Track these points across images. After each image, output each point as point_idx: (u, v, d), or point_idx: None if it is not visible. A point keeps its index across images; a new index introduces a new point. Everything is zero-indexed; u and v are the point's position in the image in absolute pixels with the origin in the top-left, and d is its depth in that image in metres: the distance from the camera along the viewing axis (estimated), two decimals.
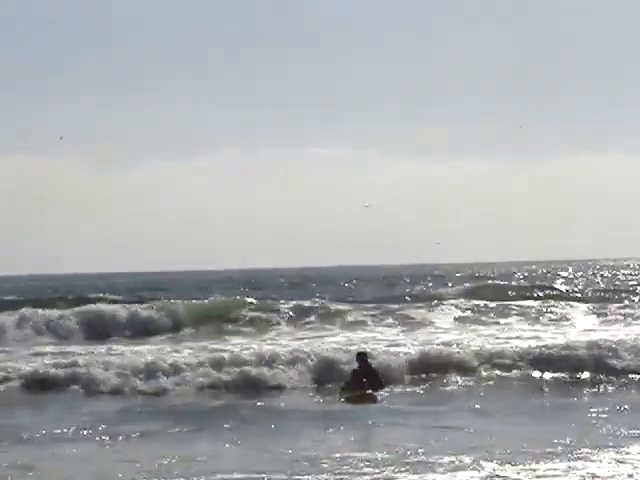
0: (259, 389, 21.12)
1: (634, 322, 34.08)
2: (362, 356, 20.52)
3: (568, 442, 13.89)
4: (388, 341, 28.63)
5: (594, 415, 16.46)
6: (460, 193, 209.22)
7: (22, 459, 13.52)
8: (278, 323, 35.24)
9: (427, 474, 12.13)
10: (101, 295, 44.62)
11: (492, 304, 37.97)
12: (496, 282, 56.81)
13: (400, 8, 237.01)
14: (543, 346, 23.84)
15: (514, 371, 22.08)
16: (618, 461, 12.69)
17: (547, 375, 21.93)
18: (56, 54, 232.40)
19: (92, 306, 36.55)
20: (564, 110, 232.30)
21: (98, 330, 33.93)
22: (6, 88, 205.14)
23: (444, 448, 13.65)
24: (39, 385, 21.79)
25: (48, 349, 28.49)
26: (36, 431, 15.70)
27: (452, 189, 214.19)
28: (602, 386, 21.01)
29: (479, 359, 22.53)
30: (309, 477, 12.12)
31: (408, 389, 21.02)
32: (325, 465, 12.78)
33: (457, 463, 12.66)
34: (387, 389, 20.43)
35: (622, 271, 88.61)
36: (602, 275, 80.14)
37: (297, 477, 12.14)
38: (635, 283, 58.79)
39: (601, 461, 12.70)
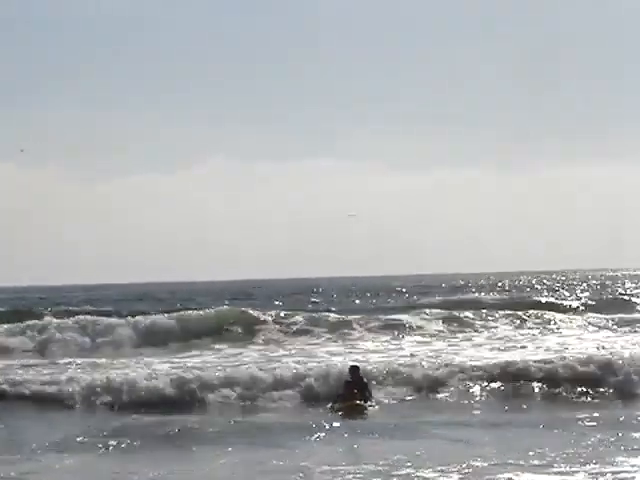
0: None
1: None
2: (355, 369, 21.21)
3: (557, 454, 13.89)
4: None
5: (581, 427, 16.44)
6: (456, 203, 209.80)
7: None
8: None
9: None
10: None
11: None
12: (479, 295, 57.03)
13: (398, 23, 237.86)
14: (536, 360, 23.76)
15: (497, 383, 21.95)
16: None
17: (533, 386, 21.79)
18: (44, 66, 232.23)
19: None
20: (554, 122, 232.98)
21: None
22: None
23: (433, 460, 13.64)
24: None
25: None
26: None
27: (449, 200, 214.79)
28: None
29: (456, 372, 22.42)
30: None
31: (394, 401, 20.94)
32: (316, 476, 12.87)
33: (444, 477, 12.66)
34: (374, 402, 20.49)
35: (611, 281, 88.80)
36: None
37: None
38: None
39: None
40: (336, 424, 17.49)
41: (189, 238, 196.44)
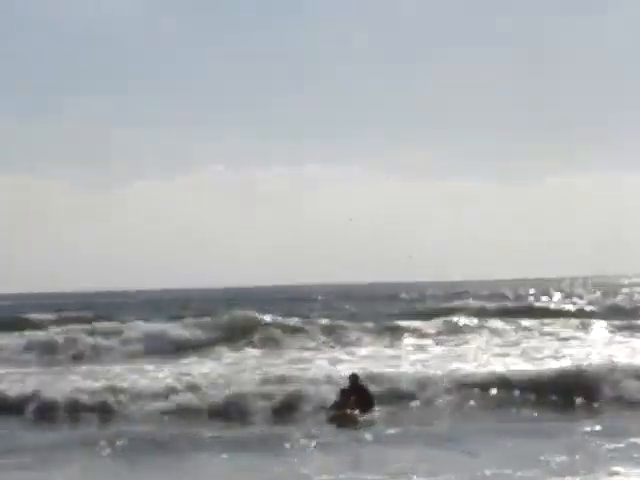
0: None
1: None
2: (354, 377, 21.20)
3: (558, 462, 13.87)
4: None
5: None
6: (456, 212, 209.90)
7: None
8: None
9: None
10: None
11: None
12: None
13: (397, 33, 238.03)
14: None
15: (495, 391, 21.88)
16: None
17: (532, 397, 21.71)
18: (46, 77, 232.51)
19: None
20: (554, 130, 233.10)
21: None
22: None
23: (434, 470, 13.66)
24: None
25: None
26: None
27: (450, 207, 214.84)
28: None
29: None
30: None
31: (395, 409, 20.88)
32: None
33: None
34: (376, 410, 20.42)
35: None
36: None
37: None
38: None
39: None
40: (333, 433, 17.49)
41: (188, 244, 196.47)
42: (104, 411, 20.76)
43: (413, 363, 28.07)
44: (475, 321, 39.74)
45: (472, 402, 21.22)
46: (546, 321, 40.14)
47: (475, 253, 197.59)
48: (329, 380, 22.19)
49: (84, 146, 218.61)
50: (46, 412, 20.73)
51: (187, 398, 21.00)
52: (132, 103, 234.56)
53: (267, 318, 39.52)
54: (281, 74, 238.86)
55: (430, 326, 38.72)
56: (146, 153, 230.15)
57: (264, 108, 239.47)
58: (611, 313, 46.02)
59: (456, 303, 58.38)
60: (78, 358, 33.23)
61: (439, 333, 37.35)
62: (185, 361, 30.50)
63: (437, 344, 34.76)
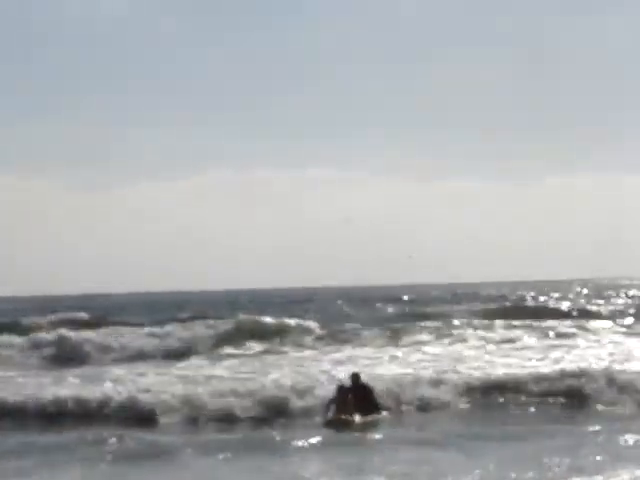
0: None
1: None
2: (355, 377, 21.09)
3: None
4: None
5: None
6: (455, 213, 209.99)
7: None
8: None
9: None
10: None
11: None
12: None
13: (397, 33, 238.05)
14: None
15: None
16: None
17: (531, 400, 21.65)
18: (45, 78, 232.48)
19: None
20: (554, 131, 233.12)
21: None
22: None
23: (434, 471, 13.68)
24: None
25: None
26: None
27: (449, 209, 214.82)
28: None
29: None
30: None
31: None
32: None
33: None
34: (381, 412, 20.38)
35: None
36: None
37: None
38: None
39: None
40: (333, 436, 17.47)
41: (188, 245, 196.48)
42: (101, 415, 20.65)
43: (411, 365, 28.09)
44: (475, 322, 39.73)
45: (474, 404, 21.21)
46: (546, 322, 40.17)
47: (475, 253, 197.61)
48: (330, 382, 22.13)
49: (84, 146, 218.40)
50: (44, 416, 20.67)
51: (187, 401, 20.84)
52: (132, 103, 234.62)
53: (270, 320, 39.51)
54: (281, 74, 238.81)
55: (430, 328, 38.70)
56: (146, 154, 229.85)
57: (264, 108, 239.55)
58: (617, 314, 46.01)
59: (456, 304, 58.49)
60: (77, 360, 33.17)
61: (438, 334, 37.30)
62: (182, 364, 30.46)
63: (436, 346, 34.73)
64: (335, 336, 37.44)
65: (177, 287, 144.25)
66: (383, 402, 20.93)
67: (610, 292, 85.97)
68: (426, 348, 34.16)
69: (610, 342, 34.83)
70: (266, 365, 29.68)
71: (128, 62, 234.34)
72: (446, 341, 35.93)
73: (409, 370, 26.87)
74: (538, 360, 29.09)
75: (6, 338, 35.92)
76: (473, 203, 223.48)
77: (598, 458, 14.67)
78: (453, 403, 21.14)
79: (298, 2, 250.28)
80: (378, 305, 66.51)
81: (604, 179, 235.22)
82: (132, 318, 47.60)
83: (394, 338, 36.82)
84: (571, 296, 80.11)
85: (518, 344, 34.47)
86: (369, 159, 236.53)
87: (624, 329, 39.52)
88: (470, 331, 37.75)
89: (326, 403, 20.10)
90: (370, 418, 19.73)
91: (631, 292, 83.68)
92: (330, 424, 19.08)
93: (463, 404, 21.16)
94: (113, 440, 16.78)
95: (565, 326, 39.48)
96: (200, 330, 37.46)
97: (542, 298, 76.73)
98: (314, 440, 16.92)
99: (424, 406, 21.16)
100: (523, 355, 30.88)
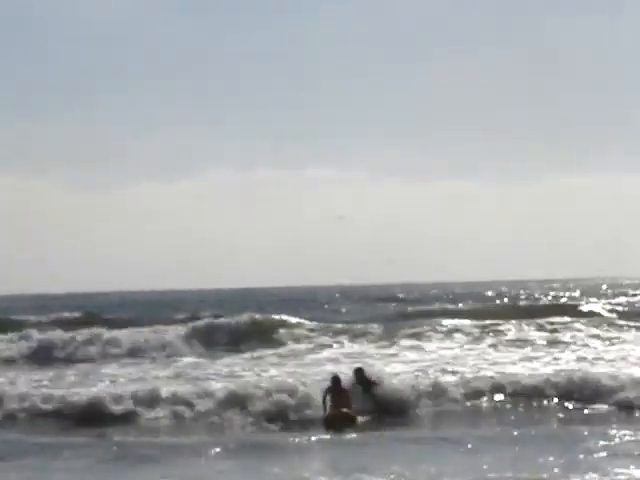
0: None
1: None
2: (359, 372, 21.18)
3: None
4: None
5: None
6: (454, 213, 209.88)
7: None
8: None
9: None
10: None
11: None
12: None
13: (395, 32, 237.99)
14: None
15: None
16: None
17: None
18: (45, 78, 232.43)
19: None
20: (551, 132, 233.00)
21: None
22: None
23: (435, 471, 13.74)
24: None
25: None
26: None
27: (448, 210, 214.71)
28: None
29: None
30: None
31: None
32: None
33: None
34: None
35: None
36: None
37: None
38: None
39: None
40: (334, 435, 17.46)
41: (188, 246, 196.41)
42: (96, 416, 20.50)
43: (412, 363, 28.11)
44: (474, 322, 39.64)
45: (474, 404, 21.18)
46: (546, 322, 40.07)
47: (475, 253, 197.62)
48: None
49: (84, 146, 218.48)
50: (35, 416, 20.57)
51: (186, 402, 20.71)
52: (132, 103, 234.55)
53: (270, 318, 39.47)
54: (281, 74, 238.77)
55: (429, 326, 38.62)
56: (146, 154, 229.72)
57: (264, 108, 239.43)
58: (623, 315, 45.92)
59: (455, 303, 58.41)
60: (75, 359, 33.07)
61: (438, 333, 37.24)
62: (181, 364, 30.45)
63: (436, 344, 34.69)
64: (335, 334, 37.35)
65: (177, 286, 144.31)
66: (386, 403, 20.85)
67: (610, 291, 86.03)
68: (426, 346, 34.21)
69: (608, 341, 34.85)
70: (265, 363, 29.71)
71: (128, 62, 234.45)
72: (446, 340, 35.92)
73: (409, 368, 26.96)
74: (539, 360, 29.10)
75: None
76: (473, 203, 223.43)
77: (596, 457, 14.72)
78: (453, 403, 21.04)
79: (298, 2, 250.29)
80: (377, 304, 66.65)
81: (604, 179, 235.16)
82: (129, 317, 47.42)
83: (394, 336, 36.79)
84: (575, 295, 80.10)
85: (519, 343, 34.45)
86: (369, 159, 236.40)
87: (620, 327, 39.44)
88: (470, 330, 37.70)
89: (323, 395, 20.00)
90: (366, 417, 19.59)
91: (630, 292, 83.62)
92: (330, 421, 18.96)
93: (464, 404, 21.09)
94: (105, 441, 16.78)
95: (566, 324, 39.39)
96: (196, 329, 37.27)
97: (541, 296, 76.79)
98: (314, 439, 16.95)
99: (425, 406, 21.07)
100: (524, 355, 30.87)
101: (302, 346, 34.99)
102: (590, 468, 13.81)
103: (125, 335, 35.68)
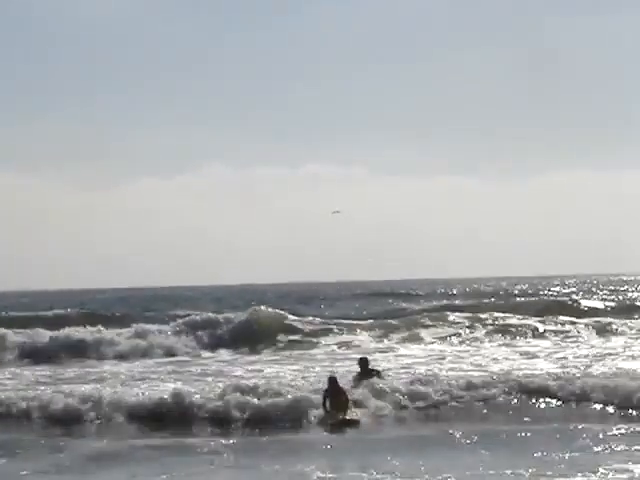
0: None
1: None
2: (363, 362, 21.25)
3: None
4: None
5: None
6: (450, 209, 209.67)
7: None
8: None
9: None
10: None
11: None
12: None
13: (396, 30, 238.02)
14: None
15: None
16: None
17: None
18: (44, 75, 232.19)
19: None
20: (550, 128, 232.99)
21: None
22: None
23: (435, 470, 13.71)
24: None
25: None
26: None
27: (449, 206, 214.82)
28: None
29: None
30: None
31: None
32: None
33: None
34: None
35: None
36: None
37: None
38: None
39: None
40: (334, 435, 17.44)
41: (187, 243, 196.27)
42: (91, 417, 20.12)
43: (411, 361, 28.03)
44: (472, 318, 39.56)
45: (474, 402, 20.92)
46: (546, 319, 40.02)
47: (474, 251, 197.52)
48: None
49: (83, 145, 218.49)
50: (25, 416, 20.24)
51: (183, 401, 20.32)
52: (132, 102, 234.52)
53: (271, 314, 39.28)
54: (281, 74, 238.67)
55: (427, 323, 38.58)
56: (145, 152, 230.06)
57: (263, 106, 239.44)
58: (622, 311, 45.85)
59: (453, 299, 58.38)
60: (73, 357, 32.81)
61: (437, 329, 37.18)
62: (174, 361, 30.35)
63: (436, 340, 34.62)
64: (335, 331, 37.27)
65: (175, 283, 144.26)
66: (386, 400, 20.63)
67: (612, 287, 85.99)
68: (423, 343, 34.17)
69: (608, 337, 34.80)
70: (266, 360, 29.61)
71: (128, 61, 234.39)
72: (444, 335, 35.87)
73: (408, 364, 26.88)
74: (537, 356, 29.03)
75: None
76: (472, 200, 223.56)
77: (596, 454, 14.72)
78: (451, 398, 20.78)
79: (298, 2, 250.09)
80: (376, 300, 66.57)
81: (604, 176, 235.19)
82: (128, 314, 47.23)
83: (394, 333, 36.78)
84: (573, 291, 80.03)
85: (518, 339, 34.41)
86: (368, 157, 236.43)
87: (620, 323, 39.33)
88: (469, 325, 37.61)
89: (322, 397, 19.79)
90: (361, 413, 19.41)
91: (629, 288, 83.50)
92: (331, 427, 18.71)
93: (462, 400, 20.86)
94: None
95: (566, 321, 39.32)
96: (197, 326, 37.00)
97: (540, 292, 76.69)
98: (313, 437, 17.01)
99: (425, 403, 20.76)
100: (523, 350, 30.79)
101: (301, 343, 34.92)
102: (590, 464, 13.80)
103: (125, 333, 35.56)
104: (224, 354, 32.52)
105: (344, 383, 20.29)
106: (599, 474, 13.29)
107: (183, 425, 19.16)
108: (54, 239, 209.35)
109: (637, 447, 15.14)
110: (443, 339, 35.57)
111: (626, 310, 46.26)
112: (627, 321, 39.23)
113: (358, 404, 19.40)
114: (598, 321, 39.05)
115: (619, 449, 15.09)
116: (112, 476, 14.42)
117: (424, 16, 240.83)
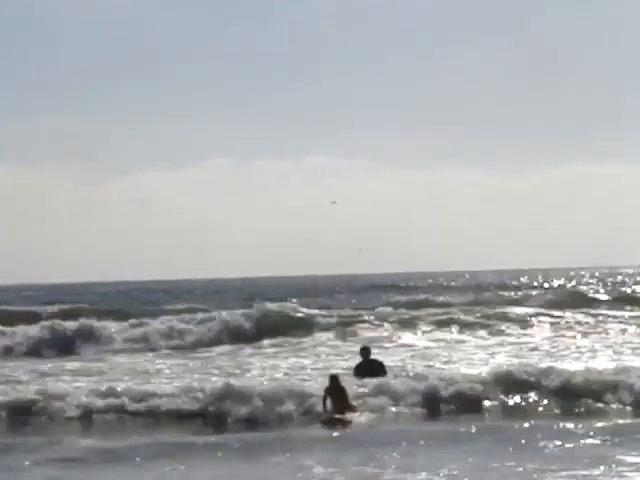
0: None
1: None
2: (364, 352, 21.14)
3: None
4: None
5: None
6: (452, 201, 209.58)
7: None
8: None
9: None
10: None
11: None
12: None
13: (397, 23, 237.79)
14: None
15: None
16: None
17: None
18: (43, 69, 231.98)
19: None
20: (551, 121, 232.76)
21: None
22: None
23: (434, 467, 13.67)
24: None
25: None
26: None
27: (449, 199, 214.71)
28: None
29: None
30: None
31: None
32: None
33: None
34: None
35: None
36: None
37: None
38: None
39: None
40: (336, 431, 17.38)
41: (188, 236, 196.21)
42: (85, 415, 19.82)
43: (411, 357, 27.96)
44: (470, 312, 39.44)
45: (472, 398, 20.79)
46: (545, 312, 39.93)
47: (475, 242, 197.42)
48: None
49: (83, 139, 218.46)
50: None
51: (182, 400, 19.99)
52: (133, 96, 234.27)
53: (274, 308, 39.13)
54: (282, 68, 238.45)
55: (425, 318, 38.41)
56: (146, 146, 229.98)
57: (264, 98, 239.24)
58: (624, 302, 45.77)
59: (453, 294, 58.29)
60: (72, 353, 32.64)
61: (433, 326, 36.98)
62: (172, 359, 30.21)
63: (430, 338, 34.40)
64: (335, 325, 37.12)
65: (176, 276, 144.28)
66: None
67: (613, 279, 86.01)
68: (421, 336, 34.10)
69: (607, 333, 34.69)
70: (268, 357, 29.47)
71: (129, 53, 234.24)
72: (442, 330, 35.71)
73: (408, 360, 26.84)
74: (536, 352, 28.92)
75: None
76: (473, 193, 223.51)
77: (597, 450, 14.68)
78: (449, 395, 20.56)
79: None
80: (377, 292, 66.56)
81: (605, 169, 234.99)
82: (125, 308, 47.11)
83: (394, 326, 36.70)
84: (577, 283, 79.97)
85: (518, 337, 34.22)
86: (370, 150, 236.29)
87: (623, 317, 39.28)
88: (468, 322, 37.38)
89: (323, 395, 19.54)
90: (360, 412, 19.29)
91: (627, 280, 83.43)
92: (330, 424, 18.51)
93: (461, 397, 20.71)
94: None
95: (565, 315, 39.20)
96: (201, 321, 36.72)
97: (540, 285, 76.61)
98: (315, 433, 16.95)
99: (423, 401, 20.60)
100: (523, 345, 30.70)
101: (303, 337, 34.73)
102: (591, 460, 13.77)
103: (125, 327, 35.44)
104: (228, 348, 32.37)
105: (345, 377, 20.20)
106: (603, 467, 13.28)
107: (184, 421, 19.11)
108: (54, 233, 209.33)
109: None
110: (440, 333, 35.30)
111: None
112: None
113: (358, 399, 19.28)
114: (598, 315, 39.02)
115: (621, 442, 15.08)
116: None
117: (426, 10, 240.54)
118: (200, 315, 37.49)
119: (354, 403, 19.13)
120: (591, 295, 50.81)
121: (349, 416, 18.59)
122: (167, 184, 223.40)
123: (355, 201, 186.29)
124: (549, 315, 38.94)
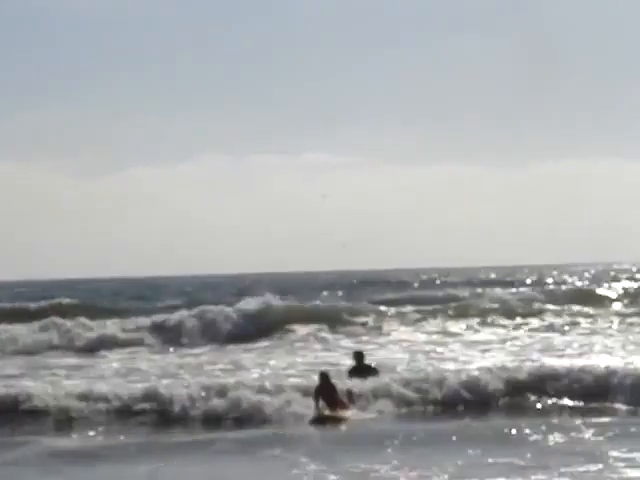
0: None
1: None
2: (358, 356, 20.99)
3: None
4: None
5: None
6: (446, 197, 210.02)
7: None
8: None
9: None
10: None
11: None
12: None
13: (396, 17, 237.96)
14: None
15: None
16: None
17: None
18: (39, 63, 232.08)
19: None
20: (551, 117, 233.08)
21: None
22: None
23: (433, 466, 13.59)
24: None
25: None
26: None
27: (449, 194, 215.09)
28: None
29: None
30: None
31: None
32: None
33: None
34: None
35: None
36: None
37: None
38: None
39: None
40: (331, 430, 17.27)
41: (186, 232, 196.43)
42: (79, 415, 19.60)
43: (410, 354, 27.75)
44: (469, 309, 39.32)
45: (472, 396, 20.57)
46: (544, 308, 39.81)
47: (473, 238, 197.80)
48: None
49: (81, 134, 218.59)
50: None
51: (180, 400, 19.74)
52: (130, 91, 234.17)
53: (270, 304, 38.80)
54: (279, 63, 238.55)
55: (420, 314, 38.30)
56: (143, 141, 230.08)
57: (259, 94, 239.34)
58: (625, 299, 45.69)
59: (450, 289, 58.16)
60: (72, 350, 32.32)
61: (428, 322, 36.85)
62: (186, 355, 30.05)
63: (424, 333, 34.24)
64: (336, 323, 36.82)
65: (171, 272, 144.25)
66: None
67: (613, 274, 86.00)
68: (417, 333, 33.94)
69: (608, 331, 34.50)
70: (262, 354, 29.24)
71: (126, 48, 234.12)
72: (442, 327, 35.62)
73: (407, 357, 26.64)
74: (535, 350, 28.69)
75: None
76: (472, 188, 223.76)
77: (595, 447, 14.63)
78: (448, 393, 20.35)
79: None
80: (373, 289, 66.49)
81: (603, 163, 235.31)
82: (120, 305, 46.93)
83: (387, 321, 36.62)
84: (573, 280, 79.86)
85: (513, 333, 34.03)
86: (367, 145, 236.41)
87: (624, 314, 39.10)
88: (467, 320, 37.26)
89: (314, 394, 19.21)
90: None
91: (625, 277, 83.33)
92: (320, 422, 18.25)
93: (460, 394, 20.50)
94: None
95: (564, 312, 39.09)
96: (203, 318, 36.34)
97: (540, 282, 76.44)
98: (309, 431, 16.90)
99: (421, 398, 20.36)
100: (523, 343, 30.48)
101: (296, 335, 34.52)
102: (591, 457, 13.76)
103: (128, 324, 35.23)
104: (228, 346, 32.11)
105: (338, 377, 20.00)
106: (601, 464, 13.25)
107: (181, 419, 19.00)
108: (52, 228, 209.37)
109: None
110: (438, 330, 35.17)
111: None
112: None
113: (350, 397, 19.05)
114: (599, 313, 38.87)
115: (617, 438, 15.09)
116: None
117: (422, 6, 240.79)
118: (187, 312, 37.07)
119: (345, 400, 18.91)
120: (591, 291, 50.74)
121: (341, 413, 18.36)
122: (163, 180, 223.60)
123: (352, 197, 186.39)
124: (547, 311, 38.91)
